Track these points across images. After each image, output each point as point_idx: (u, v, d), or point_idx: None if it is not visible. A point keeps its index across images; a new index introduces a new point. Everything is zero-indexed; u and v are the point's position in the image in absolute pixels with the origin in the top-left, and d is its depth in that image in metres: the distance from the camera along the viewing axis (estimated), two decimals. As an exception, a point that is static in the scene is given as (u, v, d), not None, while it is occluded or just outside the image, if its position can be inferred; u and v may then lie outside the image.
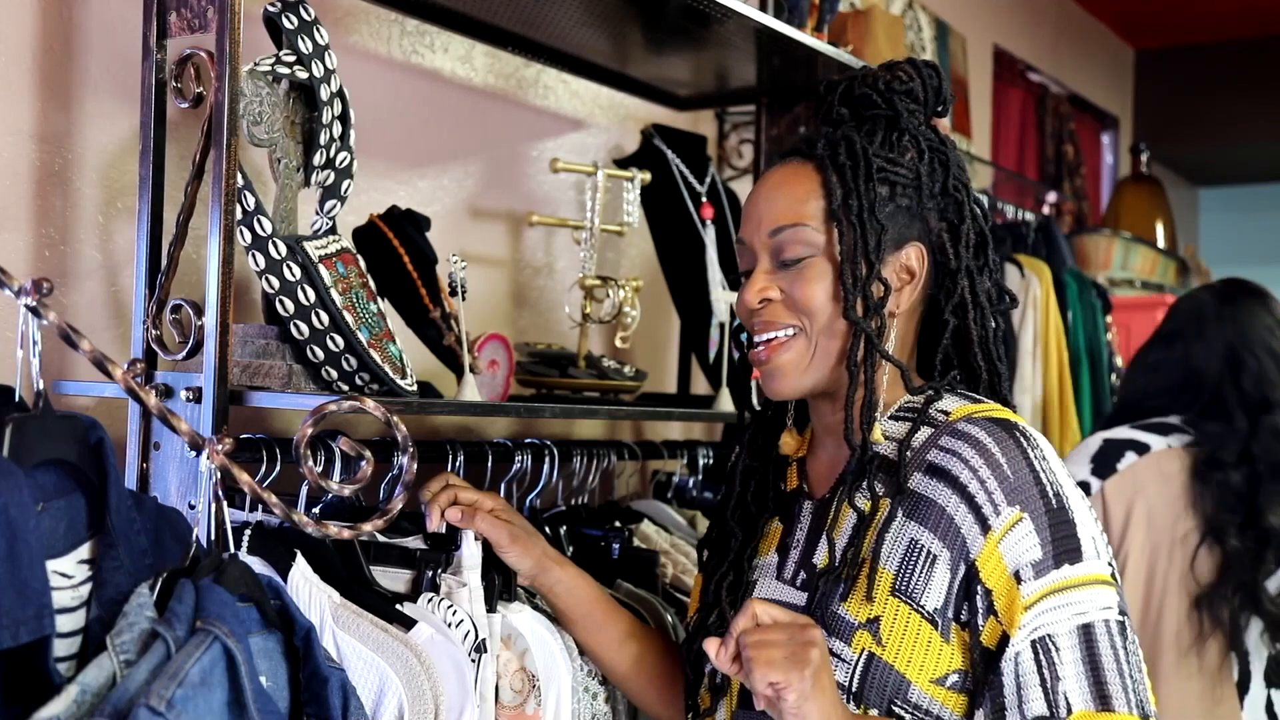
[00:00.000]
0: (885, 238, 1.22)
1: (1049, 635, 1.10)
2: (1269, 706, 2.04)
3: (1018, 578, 1.11)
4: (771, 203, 1.25)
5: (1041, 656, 1.10)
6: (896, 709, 1.14)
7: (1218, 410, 2.10)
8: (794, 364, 1.23)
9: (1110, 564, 1.14)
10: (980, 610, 1.13)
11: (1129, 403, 2.24)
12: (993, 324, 1.28)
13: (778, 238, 1.24)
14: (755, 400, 1.45)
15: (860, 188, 1.21)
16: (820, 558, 1.25)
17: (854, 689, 1.15)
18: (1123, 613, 1.12)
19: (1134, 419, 2.16)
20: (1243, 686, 2.04)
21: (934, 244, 1.26)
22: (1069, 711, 1.08)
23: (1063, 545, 1.12)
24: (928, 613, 1.15)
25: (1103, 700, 1.09)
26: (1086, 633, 1.10)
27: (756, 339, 1.26)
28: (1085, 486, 2.05)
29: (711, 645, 1.11)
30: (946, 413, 1.21)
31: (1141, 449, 2.08)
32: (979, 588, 1.13)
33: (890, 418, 1.25)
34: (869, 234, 1.21)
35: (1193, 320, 2.20)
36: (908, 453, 1.19)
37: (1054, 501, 1.13)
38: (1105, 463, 2.07)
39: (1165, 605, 2.00)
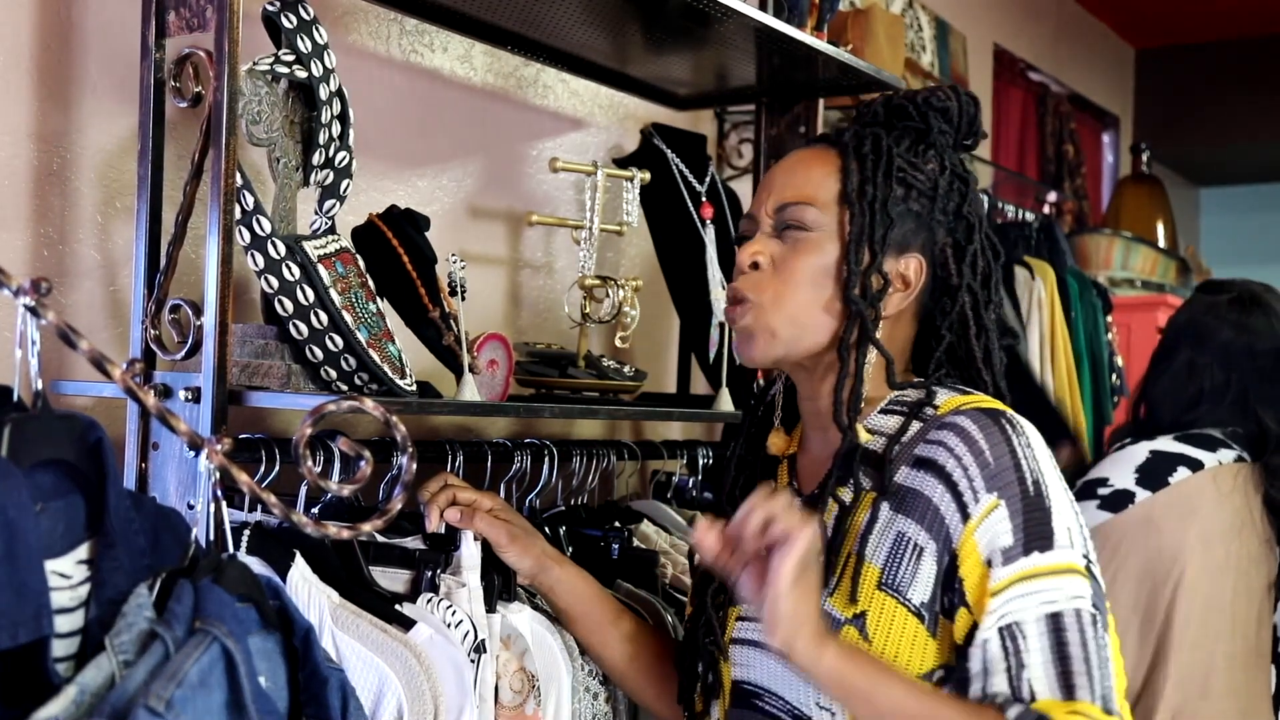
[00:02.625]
0: (892, 232, 1.23)
1: (1016, 623, 1.09)
2: None
3: (989, 564, 1.11)
4: (786, 178, 1.27)
5: (1008, 644, 1.09)
6: None
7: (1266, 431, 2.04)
8: (764, 326, 1.23)
9: (1086, 556, 1.13)
10: (955, 601, 1.13)
11: (1164, 414, 2.14)
12: (998, 350, 1.28)
13: (783, 214, 1.25)
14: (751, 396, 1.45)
15: (877, 179, 1.23)
16: None
17: None
18: (1096, 606, 1.11)
19: (1170, 430, 2.09)
20: (1278, 700, 2.02)
21: (937, 258, 1.26)
22: (1033, 698, 1.08)
23: (1035, 533, 1.12)
24: (914, 607, 1.15)
25: (1067, 690, 1.08)
26: (1055, 622, 1.09)
27: (735, 298, 1.27)
28: (1129, 495, 2.00)
29: (704, 530, 1.13)
30: (935, 406, 1.21)
31: (1195, 465, 2.01)
32: (956, 579, 1.13)
33: (879, 412, 1.25)
34: (877, 223, 1.22)
35: (1238, 340, 2.11)
36: (895, 447, 1.19)
37: (1031, 489, 1.13)
38: (1155, 475, 2.01)
39: (1220, 627, 1.97)
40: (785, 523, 1.08)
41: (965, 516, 1.13)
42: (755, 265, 1.25)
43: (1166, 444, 2.04)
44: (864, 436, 1.22)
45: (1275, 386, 2.07)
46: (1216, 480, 2.00)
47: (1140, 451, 2.05)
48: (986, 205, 2.86)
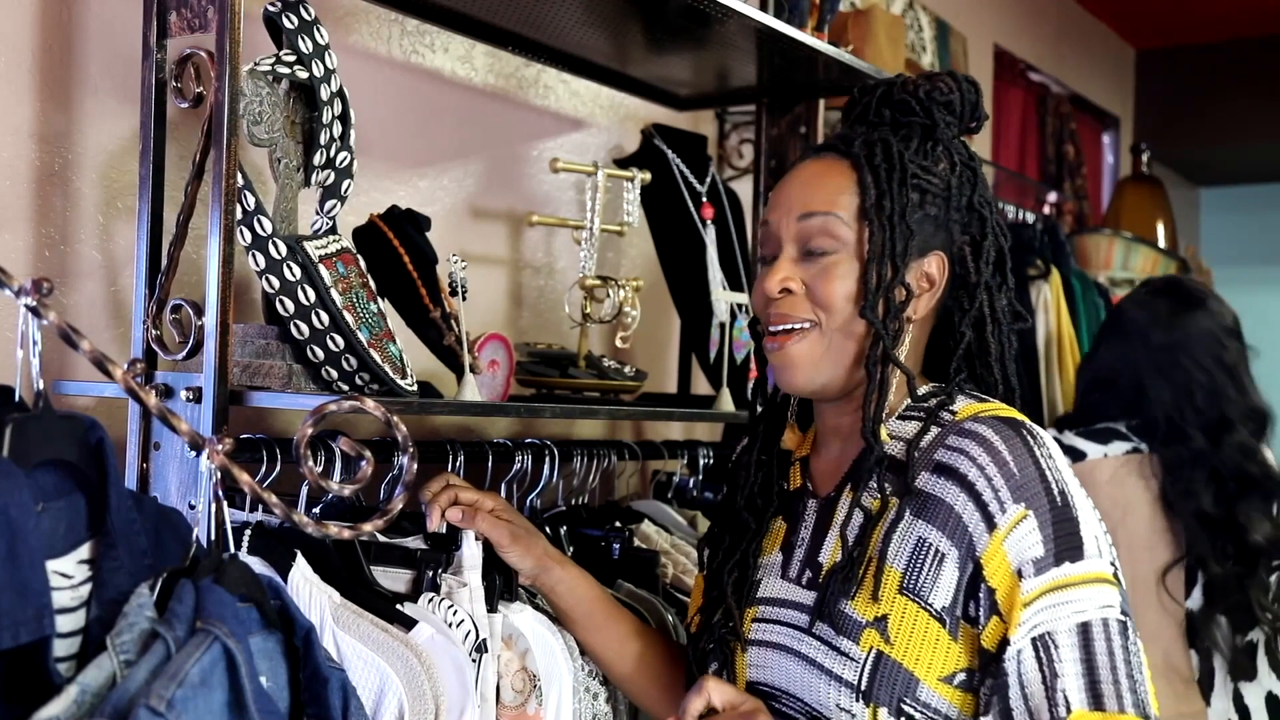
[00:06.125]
0: (912, 243, 1.22)
1: (1049, 633, 1.10)
2: (1237, 699, 2.05)
3: (1019, 574, 1.12)
4: (806, 189, 1.26)
5: (1041, 654, 1.10)
6: (906, 707, 1.14)
7: (1174, 431, 2.12)
8: (808, 357, 1.23)
9: (1113, 564, 1.14)
10: (983, 609, 1.13)
11: (1079, 408, 2.30)
12: (1010, 341, 1.29)
13: (807, 223, 1.24)
14: (755, 395, 1.45)
15: (894, 190, 1.22)
16: (827, 555, 1.25)
17: (863, 687, 1.15)
18: (1124, 613, 1.12)
19: (1082, 424, 2.22)
20: (1205, 682, 2.05)
21: (955, 256, 1.27)
22: (1068, 710, 1.08)
23: (1065, 543, 1.12)
24: (936, 611, 1.15)
25: (1098, 700, 1.08)
26: (1085, 631, 1.10)
27: (771, 329, 1.26)
28: None
29: None
30: (954, 412, 1.22)
31: (1078, 456, 2.13)
32: (983, 586, 1.13)
33: (898, 417, 1.25)
34: (898, 237, 1.21)
35: (1138, 330, 2.22)
36: (915, 453, 1.19)
37: (1059, 499, 1.14)
38: None
39: None
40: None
41: (991, 526, 1.13)
42: (787, 291, 1.24)
43: (1066, 437, 2.18)
44: (883, 437, 1.23)
45: (1167, 378, 2.14)
46: (1095, 472, 2.10)
47: None
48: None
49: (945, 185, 1.25)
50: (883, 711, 1.15)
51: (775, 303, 1.25)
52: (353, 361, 1.35)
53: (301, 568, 1.24)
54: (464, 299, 1.54)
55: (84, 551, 0.95)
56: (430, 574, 1.33)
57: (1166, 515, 2.10)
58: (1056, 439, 2.15)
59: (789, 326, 1.24)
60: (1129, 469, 2.12)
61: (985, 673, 1.14)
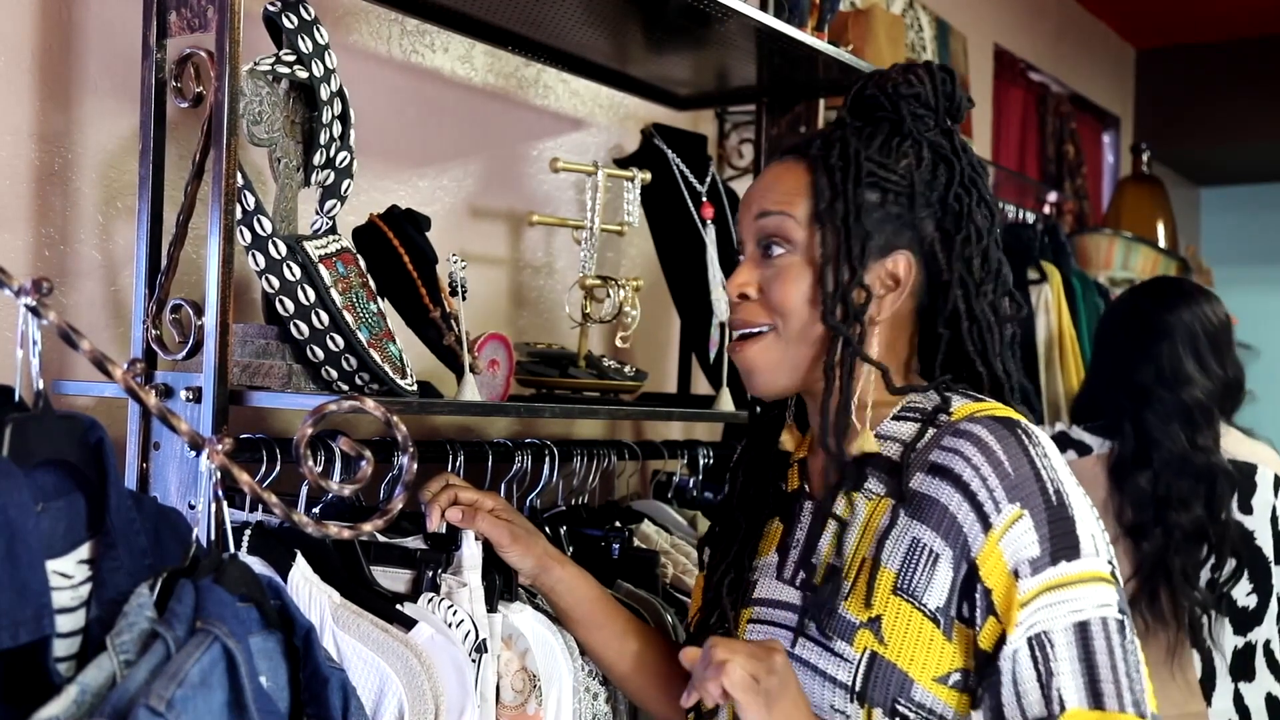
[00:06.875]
0: (870, 244, 1.21)
1: (1045, 632, 1.10)
2: (1237, 700, 2.06)
3: (1016, 575, 1.11)
4: (765, 189, 1.27)
5: (1037, 653, 1.10)
6: (900, 708, 1.14)
7: (1109, 418, 2.20)
8: (765, 360, 1.24)
9: (1110, 562, 1.14)
10: (980, 610, 1.13)
11: (1078, 403, 2.37)
12: (996, 336, 1.26)
13: (763, 221, 1.25)
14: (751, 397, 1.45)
15: (849, 191, 1.21)
16: (820, 557, 1.25)
17: (857, 688, 1.15)
18: (1122, 612, 1.12)
19: (1086, 419, 2.27)
20: (1208, 682, 2.06)
21: (926, 253, 1.25)
22: (1063, 709, 1.08)
23: (1061, 542, 1.12)
24: (930, 611, 1.15)
25: (1097, 698, 1.08)
26: (1083, 630, 1.10)
27: (733, 333, 1.28)
28: None
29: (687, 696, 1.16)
30: (949, 413, 1.21)
31: (1084, 450, 2.19)
32: (979, 586, 1.13)
33: (893, 418, 1.25)
34: (853, 239, 1.21)
35: (1099, 329, 2.34)
36: (911, 455, 1.19)
37: (1054, 499, 1.13)
38: None
39: None
40: (719, 656, 1.11)
41: (986, 526, 1.13)
42: (744, 296, 1.26)
43: (1074, 430, 2.23)
44: (873, 445, 1.22)
45: (1131, 369, 2.19)
46: (1096, 466, 2.15)
47: (1050, 431, 2.24)
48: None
49: (908, 182, 1.23)
50: (877, 712, 1.15)
51: (736, 307, 1.26)
52: (352, 361, 1.35)
53: (301, 568, 1.24)
54: (464, 299, 1.54)
55: (84, 551, 0.95)
56: (430, 574, 1.33)
57: (1129, 515, 2.13)
58: (1061, 431, 2.20)
59: (746, 332, 1.25)
60: (1100, 462, 2.19)
61: (981, 673, 1.14)
